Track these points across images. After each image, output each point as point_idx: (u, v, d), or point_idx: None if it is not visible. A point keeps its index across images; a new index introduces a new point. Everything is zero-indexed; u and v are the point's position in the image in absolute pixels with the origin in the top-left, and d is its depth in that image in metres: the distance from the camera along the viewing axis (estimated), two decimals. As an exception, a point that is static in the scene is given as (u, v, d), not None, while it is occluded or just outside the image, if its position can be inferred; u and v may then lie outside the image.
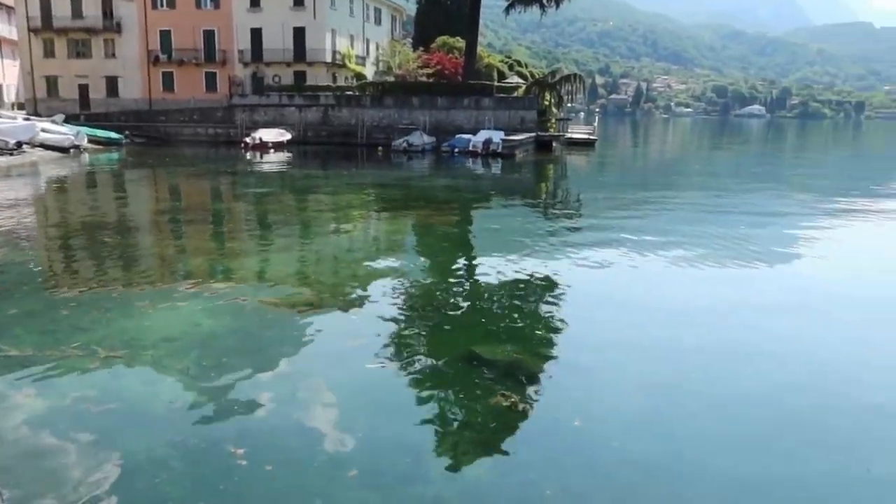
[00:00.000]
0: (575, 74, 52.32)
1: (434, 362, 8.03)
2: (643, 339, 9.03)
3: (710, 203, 23.43)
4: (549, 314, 10.32)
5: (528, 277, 12.08)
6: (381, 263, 13.41)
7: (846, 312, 10.58)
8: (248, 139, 42.86)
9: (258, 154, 40.10)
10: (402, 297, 10.88)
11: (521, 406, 6.77)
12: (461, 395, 7.18)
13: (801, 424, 6.71)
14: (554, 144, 46.64)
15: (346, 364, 8.05)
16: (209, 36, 53.80)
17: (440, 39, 55.01)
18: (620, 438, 6.28)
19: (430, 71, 49.43)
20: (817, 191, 28.60)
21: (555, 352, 8.54)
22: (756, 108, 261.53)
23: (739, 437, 6.38)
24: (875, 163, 52.71)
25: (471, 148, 39.27)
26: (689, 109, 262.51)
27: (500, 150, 38.49)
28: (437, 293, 11.20)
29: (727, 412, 6.94)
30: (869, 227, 19.02)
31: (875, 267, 13.90)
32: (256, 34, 52.61)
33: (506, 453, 6.05)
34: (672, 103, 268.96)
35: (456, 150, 40.03)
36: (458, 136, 41.46)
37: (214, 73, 54.33)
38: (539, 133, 45.09)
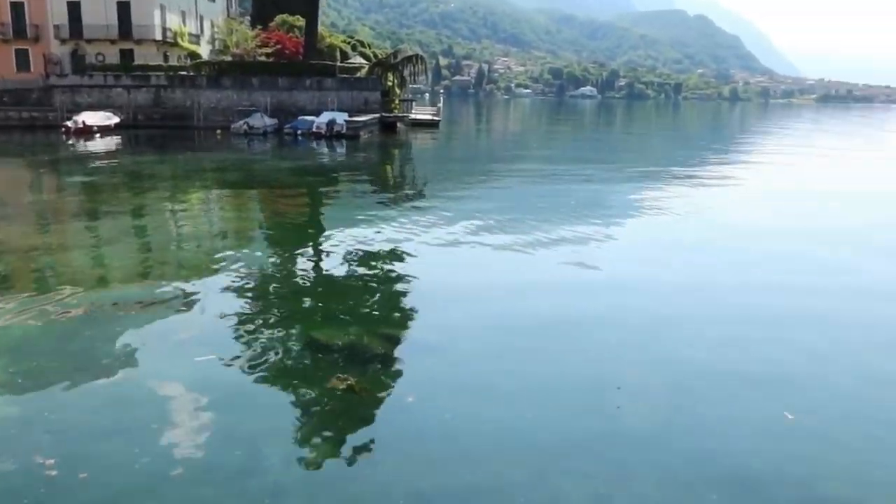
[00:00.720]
0: (417, 55, 52.72)
1: (270, 351, 7.93)
2: (480, 316, 9.43)
3: (549, 179, 24.74)
4: (391, 295, 10.49)
5: (372, 259, 12.19)
6: (220, 252, 12.94)
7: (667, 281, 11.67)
8: (69, 123, 39.15)
9: (82, 139, 36.86)
10: (241, 286, 10.58)
11: (358, 387, 6.88)
12: (297, 382, 7.17)
13: (613, 384, 7.35)
14: (399, 125, 46.91)
15: (174, 359, 7.75)
16: (17, 8, 48.47)
17: (279, 18, 53.22)
18: (452, 410, 6.57)
19: (269, 50, 47.74)
20: (643, 163, 31.06)
21: (394, 332, 8.71)
22: (588, 89, 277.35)
23: (560, 402, 6.89)
24: (692, 140, 57.95)
25: (314, 130, 38.58)
26: (527, 90, 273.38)
27: (344, 131, 38.13)
28: (279, 280, 11.03)
29: (552, 381, 7.42)
30: (690, 196, 20.91)
31: (695, 237, 15.33)
32: (74, 8, 48.04)
33: (342, 436, 6.14)
34: (512, 84, 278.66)
35: (299, 132, 39.16)
36: (300, 117, 40.54)
37: (26, 51, 49.07)
38: (383, 114, 45.14)
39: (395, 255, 12.53)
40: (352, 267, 11.74)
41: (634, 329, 9.04)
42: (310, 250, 13.72)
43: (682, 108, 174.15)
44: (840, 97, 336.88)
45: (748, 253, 13.65)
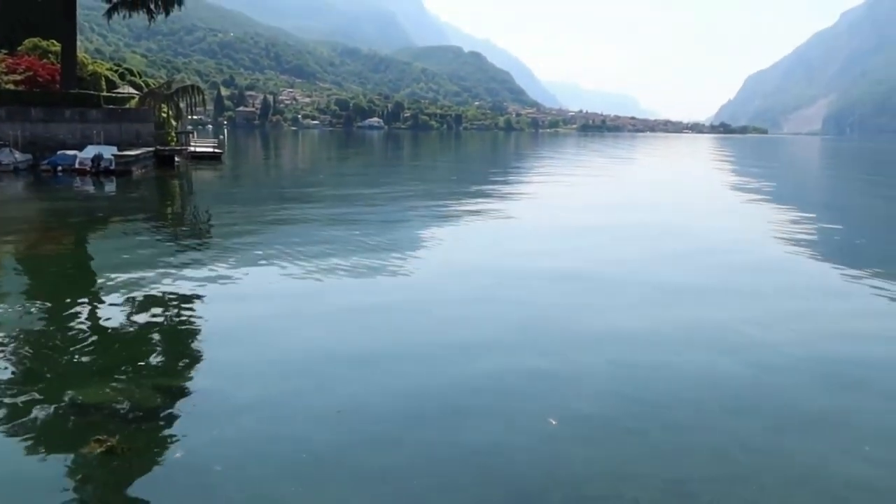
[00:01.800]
0: (193, 86, 50.40)
1: (22, 419, 6.90)
2: (264, 360, 9.01)
3: (340, 211, 24.67)
4: (169, 344, 9.72)
5: (149, 306, 11.24)
6: (-43, 312, 11.11)
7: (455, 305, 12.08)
8: None
9: None
10: (-14, 347, 9.14)
11: (120, 448, 6.18)
12: (48, 450, 6.30)
13: (385, 413, 7.43)
14: (177, 159, 44.22)
15: None
16: None
17: (30, 42, 48.04)
18: (223, 463, 6.13)
19: (18, 77, 42.75)
20: (432, 194, 32.20)
21: (170, 382, 8.05)
22: (375, 120, 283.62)
23: (358, 428, 6.80)
24: (474, 166, 61.40)
25: (77, 166, 35.08)
26: (315, 122, 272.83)
27: (112, 167, 35.05)
28: (40, 336, 9.71)
29: (334, 426, 7.29)
30: (473, 224, 21.96)
31: (471, 270, 16.07)
32: None
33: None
34: (299, 116, 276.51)
35: (59, 168, 35.38)
36: (60, 152, 36.66)
37: None
38: (158, 147, 42.33)
39: (175, 300, 11.68)
40: (124, 315, 10.72)
41: (409, 362, 9.23)
42: (78, 300, 12.23)
43: (463, 137, 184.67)
44: (596, 126, 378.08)
45: (526, 275, 14.61)
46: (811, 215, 25.98)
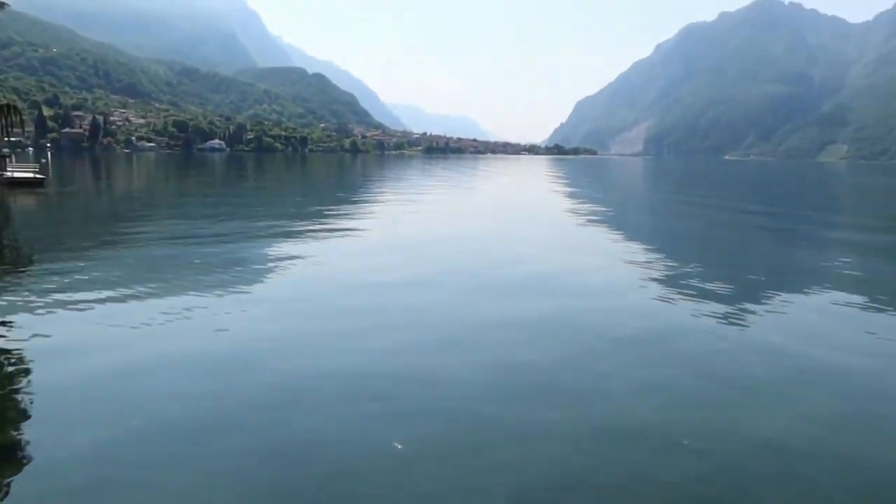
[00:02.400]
0: (9, 105, 47.00)
1: None
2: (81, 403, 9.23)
3: (178, 237, 24.24)
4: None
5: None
6: None
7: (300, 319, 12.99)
8: None
9: None
10: None
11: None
12: None
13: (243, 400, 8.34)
14: (-7, 186, 41.05)
15: None
16: None
17: None
18: None
19: None
20: (277, 216, 32.51)
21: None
22: (217, 142, 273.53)
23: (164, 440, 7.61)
24: (318, 189, 61.84)
25: None
26: (151, 144, 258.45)
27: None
28: None
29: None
30: (316, 244, 22.76)
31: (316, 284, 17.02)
32: None
33: None
34: (133, 137, 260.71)
35: None
36: None
37: None
38: (-30, 174, 39.23)
39: None
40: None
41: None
42: None
43: (309, 159, 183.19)
44: (440, 148, 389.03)
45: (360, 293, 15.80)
46: (633, 233, 29.46)
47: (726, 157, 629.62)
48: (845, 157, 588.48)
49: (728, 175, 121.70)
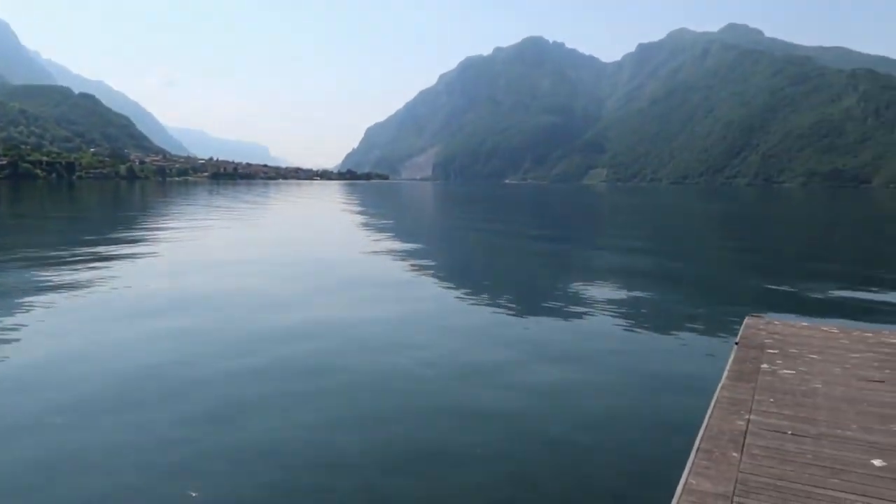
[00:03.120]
0: None
1: None
2: None
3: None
4: None
5: None
6: None
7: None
8: None
9: None
10: None
11: None
12: None
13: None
14: None
15: None
16: None
17: None
18: None
19: None
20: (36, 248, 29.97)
21: None
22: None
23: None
24: (95, 220, 57.19)
25: None
26: None
27: None
28: None
29: None
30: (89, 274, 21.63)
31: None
32: None
33: None
34: None
35: None
36: None
37: None
38: None
39: None
40: None
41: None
42: None
43: (78, 187, 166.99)
44: (229, 174, 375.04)
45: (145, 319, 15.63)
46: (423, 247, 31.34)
47: (507, 181, 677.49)
48: (605, 179, 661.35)
49: (510, 196, 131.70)
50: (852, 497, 5.02)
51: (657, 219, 64.09)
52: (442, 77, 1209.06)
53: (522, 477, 7.19)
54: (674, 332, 13.88)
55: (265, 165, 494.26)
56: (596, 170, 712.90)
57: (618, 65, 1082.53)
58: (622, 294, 18.56)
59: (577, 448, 7.91)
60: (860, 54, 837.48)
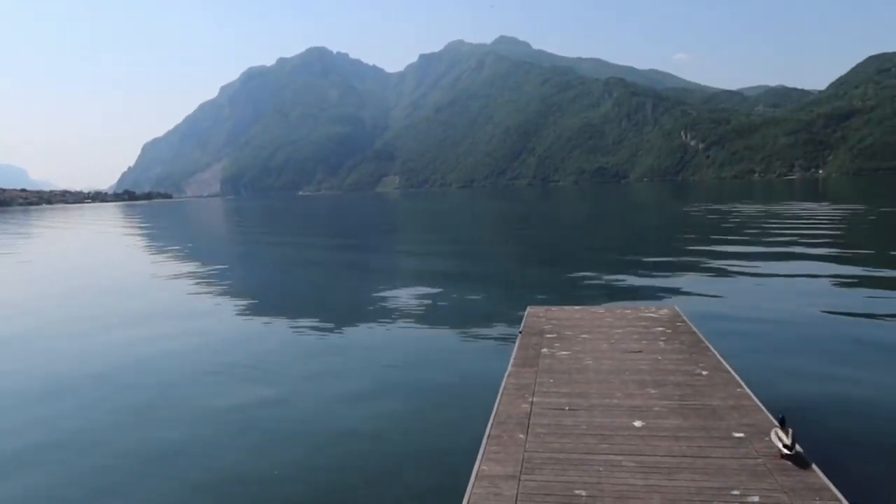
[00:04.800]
0: None
1: None
2: None
3: None
4: None
5: None
6: None
7: None
8: None
9: None
10: None
11: None
12: None
13: None
14: None
15: None
16: None
17: None
18: None
19: None
20: None
21: None
22: None
23: None
24: None
25: None
26: None
27: None
28: None
29: None
30: None
31: None
32: None
33: None
34: None
35: None
36: None
37: None
38: None
39: None
40: None
41: None
42: None
43: None
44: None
45: None
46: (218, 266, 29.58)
47: (301, 193, 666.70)
48: (398, 186, 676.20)
49: (305, 208, 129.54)
50: (619, 457, 5.65)
51: (448, 221, 66.88)
52: (224, 89, 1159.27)
53: (326, 488, 7.15)
54: (467, 329, 14.59)
55: (23, 190, 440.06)
56: (388, 177, 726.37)
57: (402, 75, 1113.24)
58: (419, 298, 19.13)
59: (382, 451, 8.03)
60: (612, 65, 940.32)
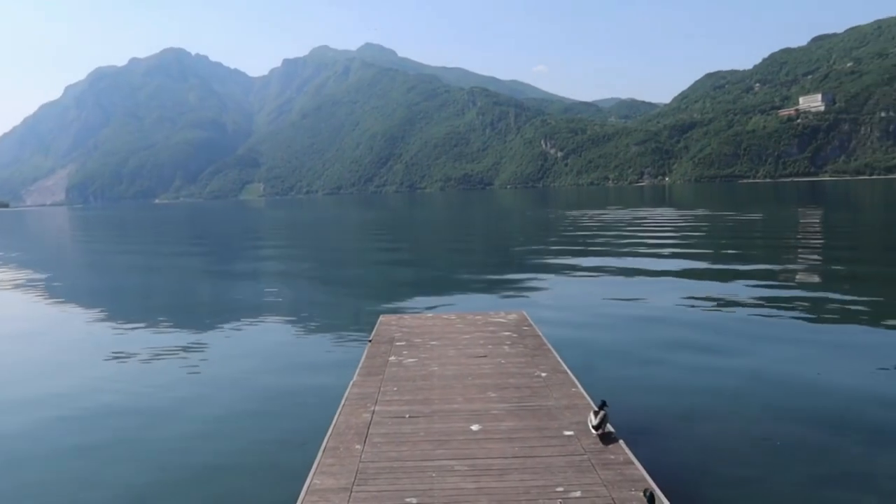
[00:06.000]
0: None
1: None
2: None
3: None
4: None
5: None
6: None
7: None
8: None
9: None
10: None
11: None
12: None
13: None
14: None
15: None
16: None
17: None
18: None
19: None
20: None
21: None
22: None
23: None
24: None
25: None
26: None
27: None
28: None
29: None
30: None
31: None
32: None
33: None
34: None
35: None
36: None
37: None
38: None
39: None
40: None
41: None
42: None
43: None
44: None
45: None
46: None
47: (157, 201, 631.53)
48: (263, 194, 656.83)
49: (162, 218, 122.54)
50: (454, 462, 5.71)
51: (311, 229, 65.70)
52: (69, 89, 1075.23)
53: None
54: (317, 338, 14.39)
55: None
56: (253, 184, 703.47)
57: (265, 79, 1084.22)
58: (272, 307, 18.62)
59: (213, 465, 7.70)
60: (476, 74, 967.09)
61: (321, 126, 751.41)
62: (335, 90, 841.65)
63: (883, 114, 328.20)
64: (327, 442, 6.24)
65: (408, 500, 5.03)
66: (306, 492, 5.23)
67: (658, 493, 5.08)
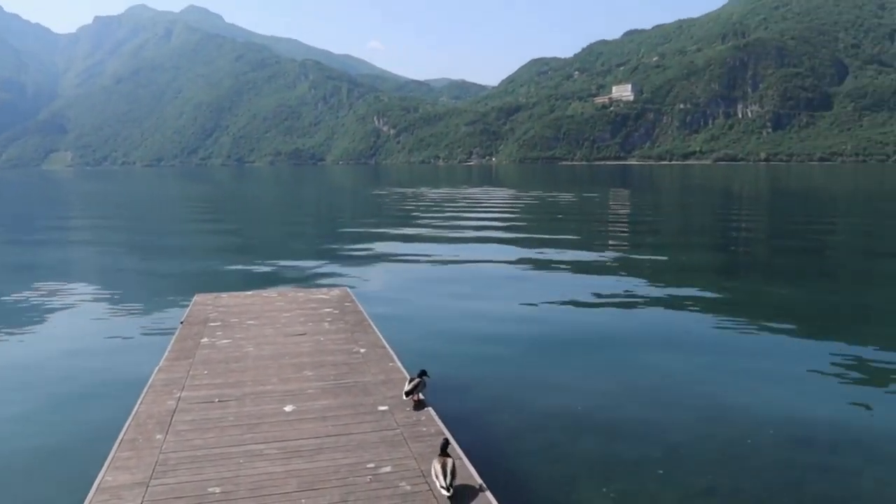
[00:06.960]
0: None
1: None
2: None
3: None
4: None
5: None
6: None
7: None
8: None
9: None
10: None
11: None
12: None
13: None
14: None
15: None
16: None
17: None
18: None
19: None
20: None
21: None
22: None
23: None
24: None
25: None
26: None
27: None
28: None
29: None
30: None
31: None
32: None
33: None
34: None
35: None
36: None
37: None
38: None
39: None
40: None
41: None
42: None
43: None
44: None
45: None
46: None
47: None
48: (71, 164, 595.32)
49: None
50: (264, 446, 5.51)
51: (127, 204, 60.76)
52: None
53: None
54: (123, 321, 13.35)
55: None
56: (59, 153, 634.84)
57: (74, 37, 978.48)
58: (76, 290, 16.99)
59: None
60: (309, 47, 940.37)
61: (139, 92, 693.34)
62: (155, 54, 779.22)
63: (681, 105, 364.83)
64: (125, 433, 5.77)
65: (210, 489, 4.78)
66: (95, 490, 4.80)
67: (453, 442, 5.39)
